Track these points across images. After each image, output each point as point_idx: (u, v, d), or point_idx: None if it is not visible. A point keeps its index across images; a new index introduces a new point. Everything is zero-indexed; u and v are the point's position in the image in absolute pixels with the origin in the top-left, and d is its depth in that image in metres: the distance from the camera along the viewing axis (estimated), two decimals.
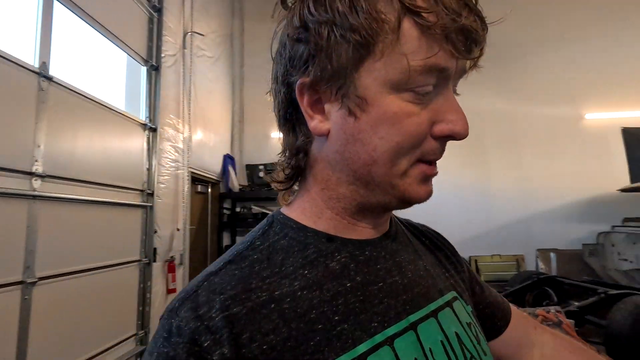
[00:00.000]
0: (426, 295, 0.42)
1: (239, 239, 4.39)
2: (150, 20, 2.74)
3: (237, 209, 4.38)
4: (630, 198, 3.89)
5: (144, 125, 2.60)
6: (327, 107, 0.38)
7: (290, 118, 0.41)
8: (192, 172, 3.37)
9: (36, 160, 1.66)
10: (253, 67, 4.73)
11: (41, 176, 1.68)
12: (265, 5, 4.78)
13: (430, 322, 0.40)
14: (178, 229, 2.91)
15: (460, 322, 0.43)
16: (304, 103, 0.38)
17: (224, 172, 4.18)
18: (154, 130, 2.66)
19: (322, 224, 0.41)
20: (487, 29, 0.35)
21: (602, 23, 4.11)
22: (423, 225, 0.57)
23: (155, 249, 2.59)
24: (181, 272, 2.98)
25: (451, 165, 4.18)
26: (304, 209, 0.42)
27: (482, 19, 0.34)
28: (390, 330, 0.37)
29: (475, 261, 4.04)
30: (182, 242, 2.99)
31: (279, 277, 0.36)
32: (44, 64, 1.74)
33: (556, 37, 4.16)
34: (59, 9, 1.89)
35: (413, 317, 0.39)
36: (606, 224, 3.78)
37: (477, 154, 4.20)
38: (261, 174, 4.45)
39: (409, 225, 0.54)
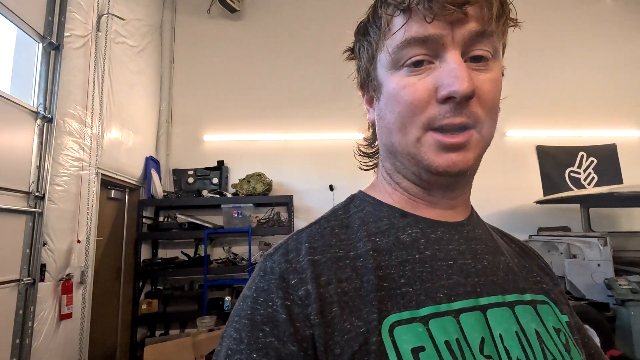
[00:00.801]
0: (503, 286, 0.42)
1: (162, 252, 3.91)
2: None
3: (161, 218, 3.92)
4: (544, 209, 4.25)
5: (35, 114, 2.13)
6: (374, 101, 0.46)
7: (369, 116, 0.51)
8: (103, 175, 2.89)
9: None
10: (185, 63, 4.35)
11: None
12: (201, 0, 4.48)
13: (504, 310, 0.40)
14: (79, 241, 2.43)
15: (543, 323, 0.42)
16: (364, 101, 0.50)
17: (146, 176, 3.71)
18: (49, 120, 2.20)
19: (389, 199, 0.47)
20: None
21: (524, 52, 4.53)
22: (515, 238, 0.58)
23: (43, 266, 2.10)
24: (81, 293, 2.48)
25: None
26: (376, 187, 0.50)
27: None
28: (457, 305, 0.38)
29: None
30: (85, 256, 2.51)
31: (354, 240, 0.42)
32: None
33: None
34: None
35: (484, 301, 0.40)
36: (525, 233, 4.07)
37: None
38: (190, 180, 4.05)
39: (499, 231, 0.55)
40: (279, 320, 0.36)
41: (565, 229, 4.15)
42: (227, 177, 4.07)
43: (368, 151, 0.54)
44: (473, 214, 0.49)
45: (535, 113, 4.48)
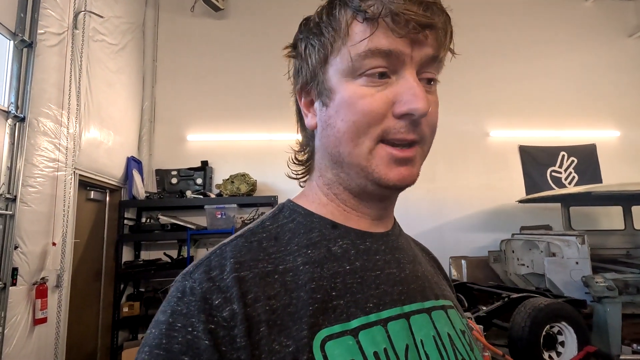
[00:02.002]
0: (422, 293, 0.44)
1: (144, 254, 3.85)
2: None
3: (143, 219, 3.86)
4: (526, 208, 4.32)
5: (6, 113, 2.07)
6: (315, 105, 0.45)
7: (301, 123, 0.49)
8: (81, 175, 2.83)
9: None
10: (169, 61, 4.29)
11: None
12: None
13: (424, 316, 0.42)
14: (54, 243, 2.37)
15: (453, 326, 0.45)
16: (301, 104, 0.47)
17: (127, 176, 3.64)
18: (21, 120, 2.14)
19: (322, 210, 0.45)
20: (442, 14, 0.39)
21: (507, 53, 4.60)
22: (425, 247, 0.61)
23: (15, 269, 2.05)
24: (56, 297, 2.43)
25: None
26: (308, 197, 0.47)
27: (423, 2, 0.38)
28: (385, 314, 0.39)
29: None
30: (61, 259, 2.45)
31: (284, 254, 0.40)
32: None
33: (468, 59, 4.52)
34: None
35: (407, 308, 0.41)
36: (507, 232, 4.13)
37: None
38: (174, 180, 4.00)
39: (413, 240, 0.56)
40: (201, 348, 0.32)
41: (547, 227, 4.23)
42: (211, 178, 4.03)
43: (301, 158, 0.51)
44: (396, 224, 0.51)
45: (518, 114, 4.55)
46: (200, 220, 3.74)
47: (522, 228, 4.24)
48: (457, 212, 4.34)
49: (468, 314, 2.44)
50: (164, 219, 3.63)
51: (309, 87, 0.45)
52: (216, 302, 0.34)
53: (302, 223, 0.44)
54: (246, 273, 0.37)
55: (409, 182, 0.41)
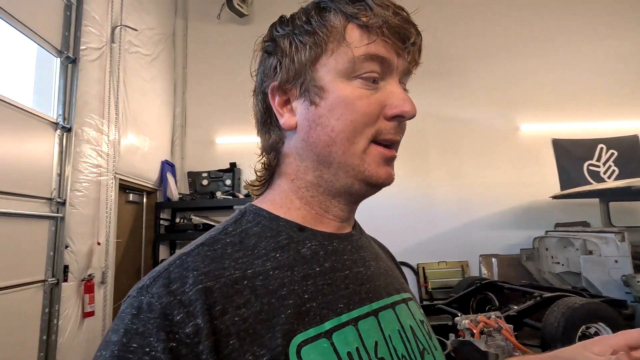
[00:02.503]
0: (386, 289, 0.46)
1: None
2: (68, 7, 2.43)
3: (177, 220, 4.06)
4: (561, 204, 4.15)
5: (55, 125, 2.27)
6: (294, 104, 0.44)
7: (265, 122, 0.47)
8: (121, 179, 3.03)
9: None
10: (198, 69, 4.48)
11: None
12: (211, 7, 4.58)
13: (389, 312, 0.44)
14: (99, 243, 2.56)
15: (414, 318, 0.47)
16: (275, 103, 0.44)
17: (162, 179, 3.85)
18: (68, 130, 2.33)
19: (292, 214, 0.44)
20: (420, 35, 0.44)
21: (538, 44, 4.42)
22: (382, 243, 0.63)
23: (66, 267, 2.24)
24: (102, 292, 2.63)
25: (398, 172, 4.21)
26: (275, 201, 0.46)
27: (410, 22, 0.42)
28: (355, 313, 0.40)
29: (423, 268, 4.06)
30: (105, 257, 2.65)
31: (252, 258, 0.39)
32: None
33: (496, 52, 4.40)
34: None
35: (375, 305, 0.42)
36: (541, 229, 3.98)
37: (420, 163, 4.28)
38: (205, 182, 4.18)
39: (372, 238, 0.58)
40: None
41: (585, 224, 4.04)
42: (239, 179, 4.17)
43: (271, 162, 0.47)
44: (356, 224, 0.52)
45: (551, 106, 4.37)
46: None
47: (557, 225, 4.08)
48: (486, 209, 4.23)
49: (497, 313, 2.40)
50: (196, 219, 3.80)
51: (289, 85, 0.43)
52: (177, 318, 0.32)
53: (267, 227, 0.42)
54: (212, 283, 0.34)
55: (392, 180, 0.44)
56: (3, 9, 1.93)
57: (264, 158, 0.48)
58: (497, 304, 3.32)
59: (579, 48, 4.46)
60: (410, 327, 0.45)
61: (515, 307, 2.77)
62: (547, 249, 3.69)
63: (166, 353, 0.30)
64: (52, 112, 2.29)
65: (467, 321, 2.36)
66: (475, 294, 3.41)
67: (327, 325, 0.37)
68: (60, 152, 2.29)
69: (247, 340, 0.33)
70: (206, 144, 4.36)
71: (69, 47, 2.41)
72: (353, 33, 0.41)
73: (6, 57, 2.13)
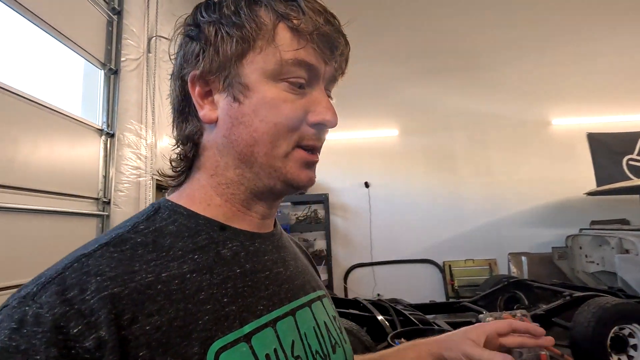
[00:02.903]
0: (303, 288, 0.47)
1: None
2: (110, 23, 2.65)
3: None
4: (597, 201, 3.98)
5: (100, 131, 2.49)
6: (216, 97, 0.42)
7: (183, 111, 0.44)
8: (158, 180, 3.26)
9: None
10: None
11: None
12: None
13: (306, 310, 0.45)
14: None
15: (328, 314, 0.50)
16: (195, 93, 0.42)
17: None
18: (111, 136, 2.55)
19: (212, 211, 0.42)
20: (348, 45, 0.45)
21: (570, 33, 4.24)
22: (297, 241, 0.63)
23: None
24: None
25: (420, 171, 4.20)
26: (193, 197, 0.43)
27: (340, 32, 0.43)
28: (274, 314, 0.40)
29: (450, 266, 4.04)
30: None
31: (166, 260, 0.36)
32: None
33: (524, 43, 4.26)
34: (4, 11, 1.79)
35: (293, 305, 0.43)
36: (574, 227, 3.84)
37: (447, 159, 4.23)
38: None
39: (290, 237, 0.59)
40: None
41: (624, 221, 3.86)
42: None
43: (188, 153, 0.45)
44: (277, 223, 0.52)
45: (585, 99, 4.19)
46: None
47: (593, 222, 3.91)
48: (516, 206, 4.13)
49: (523, 311, 2.38)
50: None
51: (212, 76, 0.41)
52: (75, 331, 0.28)
53: (185, 225, 0.40)
54: (120, 289, 0.31)
55: (313, 183, 0.45)
56: (55, 28, 2.15)
57: (179, 148, 0.45)
58: (526, 302, 3.26)
59: (614, 36, 4.23)
60: (325, 323, 0.47)
61: (544, 306, 2.72)
62: (580, 248, 3.56)
63: None
64: (98, 119, 2.52)
65: (490, 318, 2.34)
66: (503, 293, 3.35)
67: (247, 328, 0.36)
68: (105, 156, 2.51)
69: (160, 351, 0.30)
70: None
71: (111, 60, 2.63)
72: (283, 34, 0.40)
73: (58, 71, 2.38)
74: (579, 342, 2.35)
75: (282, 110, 0.40)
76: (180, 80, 0.43)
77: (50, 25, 2.08)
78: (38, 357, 0.26)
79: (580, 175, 4.09)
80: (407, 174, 4.20)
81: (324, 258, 3.81)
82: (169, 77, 0.46)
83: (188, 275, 0.36)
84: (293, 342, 0.40)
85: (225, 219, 0.43)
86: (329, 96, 0.46)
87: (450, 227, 4.11)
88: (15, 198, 1.79)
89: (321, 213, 4.05)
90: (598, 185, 4.01)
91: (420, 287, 3.79)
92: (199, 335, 0.33)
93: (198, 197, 0.43)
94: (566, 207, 4.06)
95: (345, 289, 3.98)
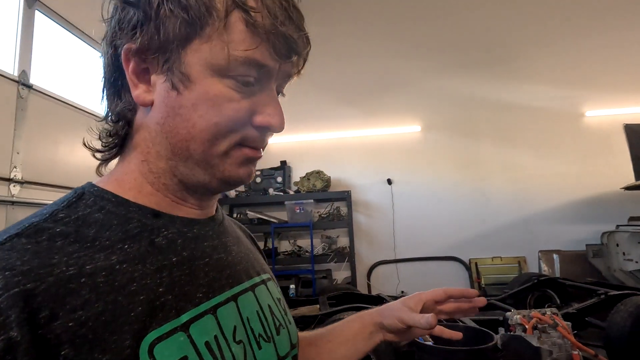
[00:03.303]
0: (246, 273, 0.46)
1: None
2: None
3: (234, 215, 4.39)
4: (635, 196, 3.77)
5: None
6: (153, 78, 0.38)
7: (115, 83, 0.41)
8: None
9: (14, 167, 1.68)
10: None
11: (20, 182, 1.70)
12: None
13: (249, 294, 0.44)
14: None
15: (272, 297, 0.50)
16: (129, 70, 0.38)
17: None
18: None
19: (143, 199, 0.39)
20: (309, 44, 0.41)
21: (604, 19, 4.03)
22: (241, 224, 0.62)
23: None
24: None
25: (444, 167, 4.12)
26: (122, 182, 0.40)
27: (303, 33, 0.39)
28: (214, 301, 0.39)
29: (476, 264, 3.95)
30: None
31: (91, 251, 0.33)
32: (24, 73, 1.78)
33: (556, 33, 4.09)
34: (41, 20, 1.93)
35: (235, 290, 0.42)
36: (610, 223, 3.65)
37: (472, 154, 4.13)
38: (258, 180, 4.46)
39: (233, 220, 0.58)
40: None
41: None
42: (289, 176, 4.38)
43: (118, 131, 0.41)
44: (218, 207, 0.50)
45: (622, 88, 3.96)
46: (281, 214, 4.12)
47: (631, 218, 3.70)
48: (547, 202, 3.98)
49: (553, 310, 2.29)
50: (251, 214, 4.08)
51: (151, 56, 0.37)
52: None
53: (114, 213, 0.37)
54: (35, 285, 0.28)
55: (252, 178, 0.43)
56: (85, 34, 2.27)
57: (110, 124, 0.41)
58: (558, 301, 3.14)
59: None
60: (269, 306, 0.47)
61: (576, 305, 2.61)
62: (617, 245, 3.39)
63: None
64: None
65: (518, 316, 2.28)
66: (533, 291, 3.24)
67: (184, 317, 0.35)
68: None
69: (86, 347, 0.28)
70: None
71: None
72: (236, 26, 0.36)
73: (91, 74, 2.51)
74: (614, 342, 2.25)
75: (224, 110, 0.37)
76: (113, 48, 0.39)
77: (85, 34, 2.20)
78: None
79: (616, 169, 3.88)
80: (431, 170, 4.14)
81: (347, 255, 3.81)
82: (102, 41, 0.41)
83: (117, 267, 0.33)
84: (235, 327, 0.39)
85: (158, 207, 0.40)
86: (281, 93, 0.44)
87: (476, 223, 4.01)
88: (57, 195, 1.93)
89: (344, 210, 4.06)
90: (637, 179, 3.79)
91: (445, 285, 3.61)
92: (131, 327, 0.30)
93: (127, 182, 0.40)
94: (601, 203, 3.86)
95: (369, 286, 3.98)
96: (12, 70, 1.73)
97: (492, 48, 4.12)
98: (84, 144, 0.43)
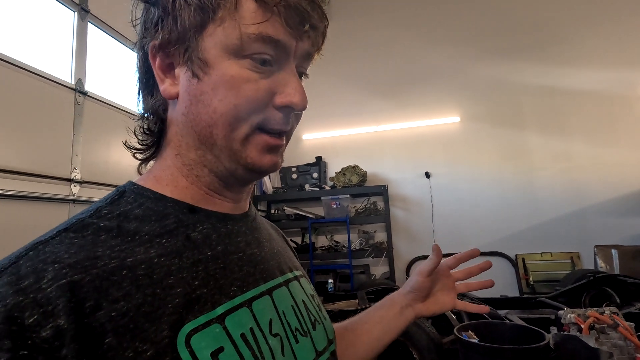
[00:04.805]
0: (279, 268, 0.47)
1: None
2: None
3: (272, 211, 4.48)
4: None
5: None
6: (177, 70, 0.40)
7: (147, 83, 0.43)
8: None
9: (74, 168, 1.83)
10: None
11: (79, 182, 1.85)
12: None
13: (283, 289, 0.45)
14: None
15: (305, 293, 0.50)
16: (155, 66, 0.40)
17: None
18: None
19: (179, 193, 0.41)
20: (326, 18, 0.41)
21: None
22: (272, 223, 0.64)
23: None
24: None
25: (486, 159, 3.93)
26: (160, 178, 0.42)
27: (315, 2, 0.39)
28: (249, 294, 0.39)
29: (523, 259, 3.74)
30: None
31: (132, 245, 0.34)
32: (80, 81, 1.92)
33: (607, 10, 3.75)
34: (92, 31, 2.07)
35: (269, 284, 0.43)
36: None
37: (517, 145, 3.90)
38: (294, 176, 4.52)
39: (265, 220, 0.59)
40: None
41: None
42: (325, 171, 4.40)
43: (152, 127, 0.43)
44: (251, 204, 0.51)
45: None
46: (318, 210, 4.15)
47: None
48: (603, 194, 3.67)
49: (613, 309, 2.12)
50: (288, 210, 4.15)
51: (172, 48, 0.39)
52: (30, 321, 0.27)
53: (152, 209, 0.38)
54: (81, 276, 0.30)
55: (277, 168, 0.42)
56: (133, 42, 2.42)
57: (146, 121, 0.44)
58: (618, 300, 2.89)
59: None
60: (303, 301, 0.48)
61: (638, 305, 2.39)
62: None
63: None
64: None
65: (573, 315, 2.12)
66: (589, 289, 3.01)
67: (220, 310, 0.35)
68: None
69: (127, 337, 0.29)
70: (294, 140, 4.65)
71: None
72: (247, 4, 0.36)
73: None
74: None
75: (243, 91, 0.37)
76: (141, 50, 0.41)
77: (133, 42, 2.34)
78: None
79: None
80: (472, 162, 3.96)
81: (385, 250, 3.77)
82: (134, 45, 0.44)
83: (156, 260, 0.34)
84: (271, 320, 0.40)
85: (194, 201, 0.41)
86: (305, 74, 0.44)
87: (522, 218, 3.80)
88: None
89: (380, 205, 4.01)
90: None
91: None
92: (169, 319, 0.32)
93: (165, 178, 0.42)
94: None
95: None
96: (70, 79, 1.88)
97: (536, 30, 3.86)
98: (125, 145, 0.46)
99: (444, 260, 0.70)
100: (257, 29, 0.36)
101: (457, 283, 0.71)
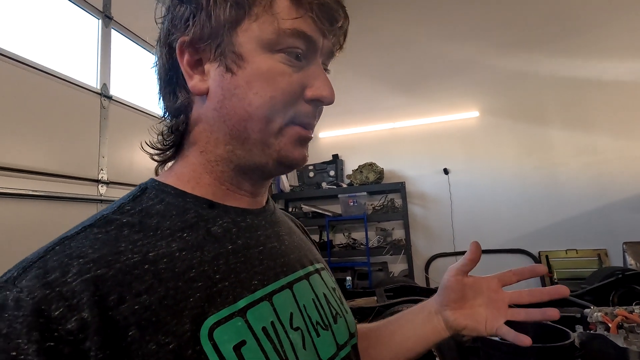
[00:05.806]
0: (300, 262, 0.47)
1: None
2: None
3: (290, 209, 4.52)
4: None
5: None
6: (207, 67, 0.40)
7: (170, 81, 0.43)
8: None
9: (101, 169, 1.91)
10: None
11: (106, 183, 1.92)
12: None
13: (304, 283, 0.45)
14: None
15: (327, 286, 0.50)
16: (184, 62, 0.40)
17: None
18: None
19: (200, 190, 0.41)
20: (347, 17, 0.42)
21: None
22: (292, 216, 0.64)
23: None
24: None
25: (507, 154, 3.84)
26: (181, 175, 0.43)
27: (340, 3, 0.41)
28: (270, 288, 0.39)
29: (547, 257, 3.65)
30: None
31: (154, 239, 0.35)
32: (105, 85, 2.00)
33: None
34: (116, 37, 2.15)
35: (290, 278, 0.43)
36: None
37: (539, 138, 3.79)
38: (311, 174, 4.55)
39: (284, 212, 0.58)
40: None
41: None
42: (342, 169, 4.40)
43: (179, 127, 0.43)
44: (269, 198, 0.51)
45: None
46: (335, 208, 4.16)
47: None
48: (631, 188, 3.53)
49: (637, 308, 2.04)
50: (306, 208, 4.18)
51: (203, 44, 0.39)
52: (56, 313, 0.27)
53: (173, 204, 0.39)
54: (104, 271, 0.30)
55: (305, 162, 0.44)
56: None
57: (169, 121, 0.44)
58: None
59: None
60: (324, 294, 0.48)
61: None
62: None
63: (41, 355, 0.26)
64: None
65: (600, 314, 2.05)
66: (618, 287, 2.90)
67: (241, 303, 0.36)
68: None
69: (150, 330, 0.30)
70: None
71: None
72: (281, 2, 0.38)
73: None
74: None
75: (278, 84, 0.39)
76: (167, 47, 0.41)
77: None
78: (19, 341, 0.26)
79: None
80: (492, 157, 3.88)
81: (403, 247, 3.75)
82: (156, 44, 0.43)
83: (177, 254, 0.35)
84: (292, 314, 0.40)
85: (214, 197, 0.41)
86: (327, 70, 0.45)
87: (545, 213, 3.70)
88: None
89: (398, 202, 3.98)
90: None
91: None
92: (191, 312, 0.32)
93: (187, 175, 0.42)
94: None
95: (427, 279, 3.87)
96: (95, 84, 1.96)
97: (558, 21, 3.73)
98: (142, 147, 0.46)
99: (499, 273, 0.58)
100: (292, 25, 0.38)
101: (511, 308, 0.57)
